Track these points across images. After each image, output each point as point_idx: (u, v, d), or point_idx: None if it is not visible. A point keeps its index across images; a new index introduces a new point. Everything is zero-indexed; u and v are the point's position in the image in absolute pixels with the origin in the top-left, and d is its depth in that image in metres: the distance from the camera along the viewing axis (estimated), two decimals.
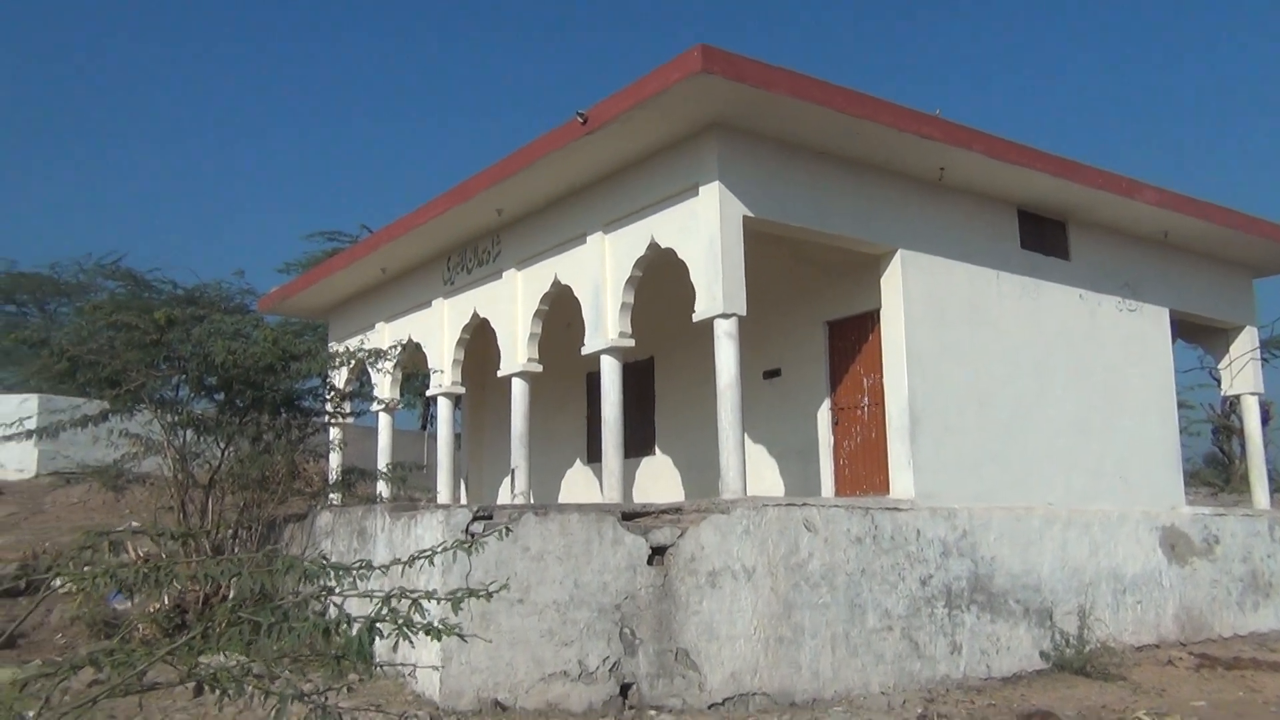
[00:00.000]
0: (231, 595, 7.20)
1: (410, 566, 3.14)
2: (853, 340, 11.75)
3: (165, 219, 79.29)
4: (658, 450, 14.38)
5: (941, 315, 11.07)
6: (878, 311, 11.13)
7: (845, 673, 9.13)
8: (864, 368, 11.55)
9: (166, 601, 9.55)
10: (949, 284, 11.23)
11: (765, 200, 10.08)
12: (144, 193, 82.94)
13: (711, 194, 9.82)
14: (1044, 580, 10.98)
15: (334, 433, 14.22)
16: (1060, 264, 12.47)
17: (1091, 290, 12.69)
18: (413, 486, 14.14)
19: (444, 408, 14.70)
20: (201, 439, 11.12)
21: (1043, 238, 12.39)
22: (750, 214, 9.91)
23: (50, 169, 79.83)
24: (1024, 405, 11.63)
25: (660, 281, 11.35)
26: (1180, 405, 14.59)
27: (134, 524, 14.45)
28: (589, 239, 11.52)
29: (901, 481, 10.49)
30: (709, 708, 8.25)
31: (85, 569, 3.09)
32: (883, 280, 10.99)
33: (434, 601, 2.89)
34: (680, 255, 10.23)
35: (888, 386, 10.81)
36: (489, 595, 2.87)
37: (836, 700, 8.91)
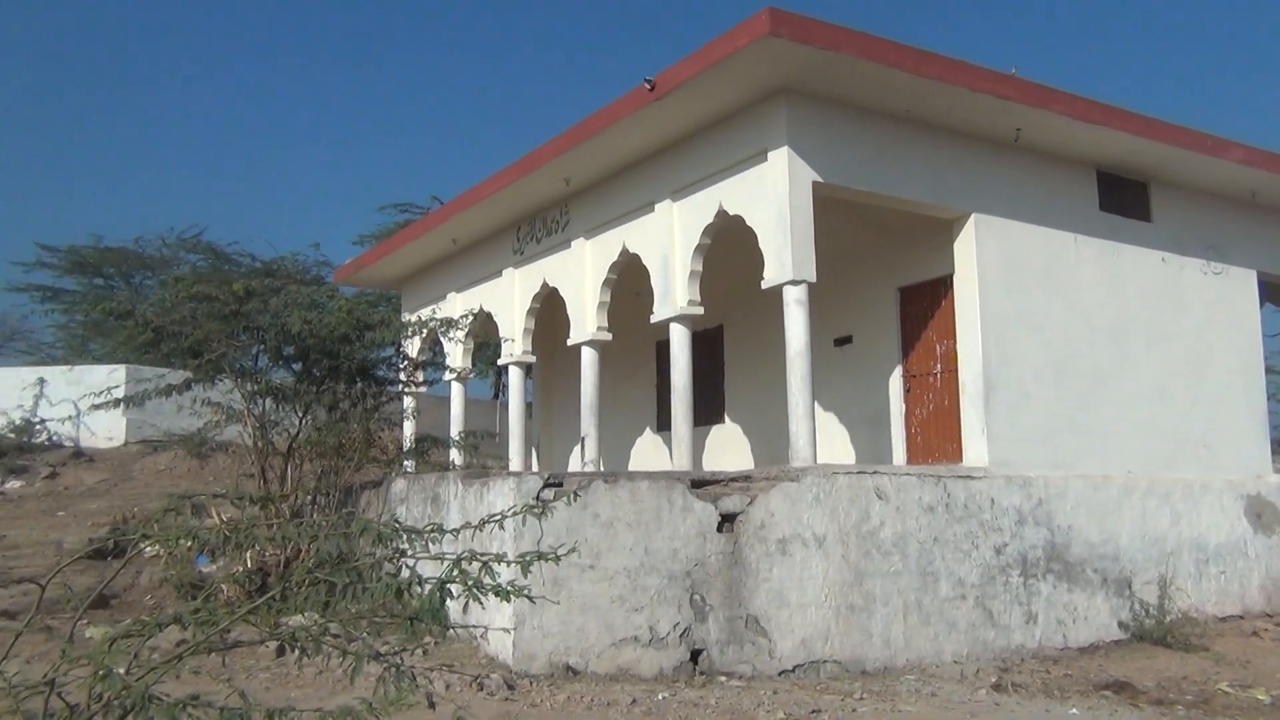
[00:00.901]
0: (310, 558, 7.39)
1: (481, 531, 3.19)
2: (925, 306, 11.57)
3: (244, 193, 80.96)
4: (727, 418, 14.36)
5: (1017, 280, 10.84)
6: (951, 277, 10.94)
7: (917, 641, 9.08)
8: (937, 334, 11.38)
9: (249, 564, 9.84)
10: (1025, 248, 10.99)
11: (835, 165, 9.95)
12: (224, 168, 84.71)
13: (780, 159, 9.72)
14: (1123, 549, 10.77)
15: (408, 401, 14.46)
16: (1141, 226, 12.12)
17: (1175, 253, 12.32)
18: (485, 454, 14.35)
19: (515, 376, 14.84)
20: (280, 407, 11.38)
21: (1123, 199, 12.05)
22: (820, 179, 9.80)
23: (133, 144, 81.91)
24: (1102, 371, 11.37)
25: (729, 248, 11.29)
26: (1268, 371, 14.13)
27: (216, 490, 14.88)
28: (657, 207, 11.49)
29: (975, 449, 10.34)
30: (779, 674, 8.27)
31: (172, 531, 3.19)
32: (956, 245, 10.79)
33: (504, 565, 2.93)
34: (749, 222, 10.16)
35: (961, 353, 10.64)
36: (557, 559, 2.91)
37: (908, 669, 8.87)
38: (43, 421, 24.01)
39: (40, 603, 3.96)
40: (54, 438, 23.94)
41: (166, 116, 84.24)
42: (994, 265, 10.67)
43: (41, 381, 24.72)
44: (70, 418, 24.04)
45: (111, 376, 22.94)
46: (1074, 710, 7.62)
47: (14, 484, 20.84)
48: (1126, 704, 8.00)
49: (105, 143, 79.70)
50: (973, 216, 10.63)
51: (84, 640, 6.86)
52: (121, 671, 2.81)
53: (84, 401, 21.38)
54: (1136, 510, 11.00)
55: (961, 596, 9.45)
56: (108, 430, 24.17)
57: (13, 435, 23.17)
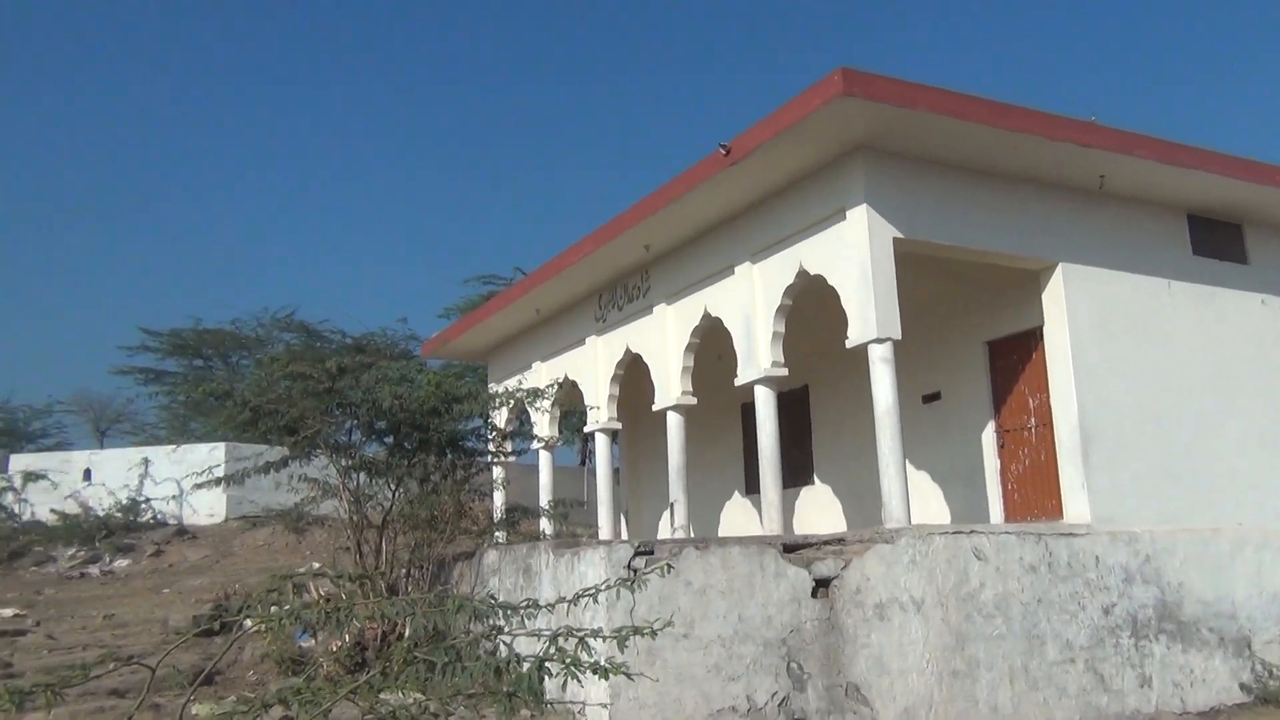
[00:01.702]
0: (407, 633, 7.45)
1: (575, 604, 3.19)
2: (1015, 359, 11.35)
3: (334, 271, 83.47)
4: (816, 479, 14.19)
5: (1109, 329, 10.57)
6: (1040, 329, 10.72)
7: (1026, 707, 8.75)
8: (1029, 387, 11.13)
9: (347, 640, 9.95)
10: (1116, 296, 10.73)
11: (915, 220, 9.88)
12: (313, 247, 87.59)
13: (859, 217, 9.69)
14: (1239, 606, 10.28)
15: (497, 471, 14.59)
16: (1237, 269, 11.75)
17: (1275, 294, 11.90)
18: (574, 522, 14.39)
19: (601, 443, 14.89)
20: (373, 481, 11.58)
21: (1216, 242, 11.71)
22: (900, 235, 9.73)
23: (227, 227, 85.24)
24: (1205, 420, 10.96)
25: (812, 308, 11.25)
26: None
27: (315, 565, 15.12)
28: (737, 270, 11.52)
29: (1076, 505, 10.03)
30: None
31: (272, 610, 3.26)
32: (1044, 296, 10.58)
33: (599, 640, 2.92)
34: (830, 281, 10.11)
35: (1056, 406, 10.38)
36: (654, 633, 2.89)
37: None
38: (148, 500, 24.83)
39: (151, 683, 4.05)
40: (158, 516, 24.71)
41: (260, 200, 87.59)
42: (1085, 315, 10.43)
43: (146, 461, 25.60)
44: (174, 496, 24.81)
45: (212, 455, 23.69)
46: None
47: (122, 562, 21.51)
48: None
49: (203, 228, 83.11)
50: (1060, 266, 10.44)
51: (191, 719, 7.00)
52: None
53: (187, 481, 22.13)
54: (1251, 565, 10.51)
55: (1070, 660, 9.10)
56: (209, 507, 24.86)
57: (120, 515, 23.98)
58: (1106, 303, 10.63)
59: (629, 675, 2.76)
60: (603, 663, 2.70)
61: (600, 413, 14.57)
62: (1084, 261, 10.60)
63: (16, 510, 24.60)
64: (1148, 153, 10.25)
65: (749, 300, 11.30)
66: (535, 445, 15.55)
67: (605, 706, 7.48)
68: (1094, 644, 9.27)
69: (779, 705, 7.87)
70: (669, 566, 7.44)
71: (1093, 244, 10.75)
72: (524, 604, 3.01)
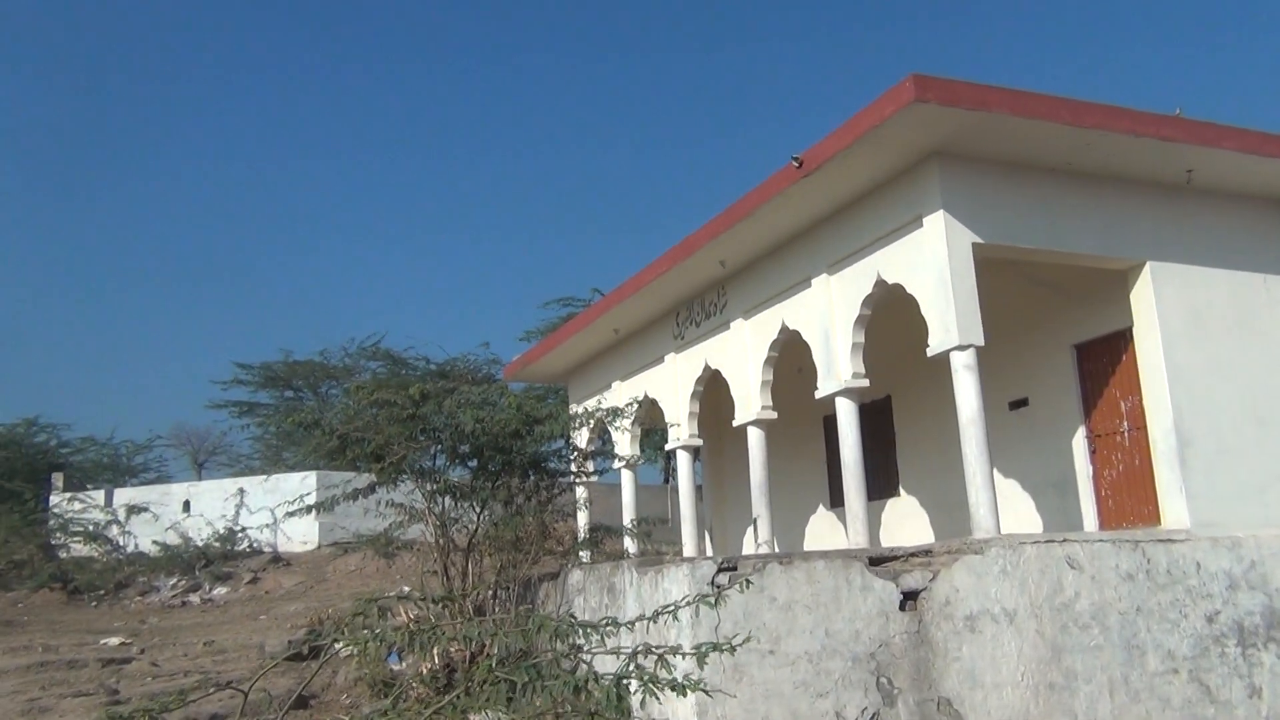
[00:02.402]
0: (494, 654, 7.53)
1: (655, 622, 3.18)
2: (1104, 362, 11.05)
3: (417, 299, 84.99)
4: (902, 491, 13.97)
5: (1203, 328, 10.24)
6: (1130, 330, 10.43)
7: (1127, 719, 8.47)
8: (1120, 390, 10.83)
9: (436, 661, 10.08)
10: (1209, 293, 10.39)
11: (994, 224, 9.71)
12: (398, 276, 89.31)
13: (936, 224, 9.56)
14: None
15: (580, 491, 14.67)
16: None
17: None
18: (658, 540, 14.38)
19: (683, 460, 14.88)
20: (459, 505, 11.72)
21: None
22: (979, 240, 9.57)
23: (314, 260, 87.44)
24: None
25: (891, 317, 11.11)
26: None
27: (404, 589, 15.35)
28: (814, 282, 11.44)
29: (1174, 510, 9.71)
30: None
31: (362, 633, 3.32)
32: (1132, 296, 10.30)
33: (680, 656, 2.92)
34: (909, 290, 9.98)
35: (1149, 409, 10.08)
36: (733, 649, 2.87)
37: None
38: (244, 529, 25.53)
39: (244, 707, 4.16)
40: (254, 544, 25.38)
41: (346, 232, 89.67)
42: (1176, 314, 10.13)
43: (241, 492, 26.34)
44: (268, 525, 25.46)
45: (304, 483, 24.29)
46: None
47: (220, 590, 22.12)
48: None
49: (295, 264, 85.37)
50: (1148, 265, 10.15)
51: None
52: None
53: (280, 509, 22.67)
54: None
55: (1173, 670, 8.79)
56: (302, 535, 25.45)
57: (218, 544, 24.69)
58: (1198, 301, 10.31)
59: (707, 692, 2.75)
60: (681, 680, 2.70)
61: (681, 429, 14.57)
62: (1173, 259, 10.30)
63: (121, 542, 25.47)
64: (1236, 144, 9.93)
65: (826, 312, 11.21)
66: (617, 465, 15.60)
67: (693, 713, 7.42)
68: (1198, 654, 8.94)
69: None
70: (748, 581, 7.37)
71: (1181, 241, 10.44)
72: (604, 622, 3.02)
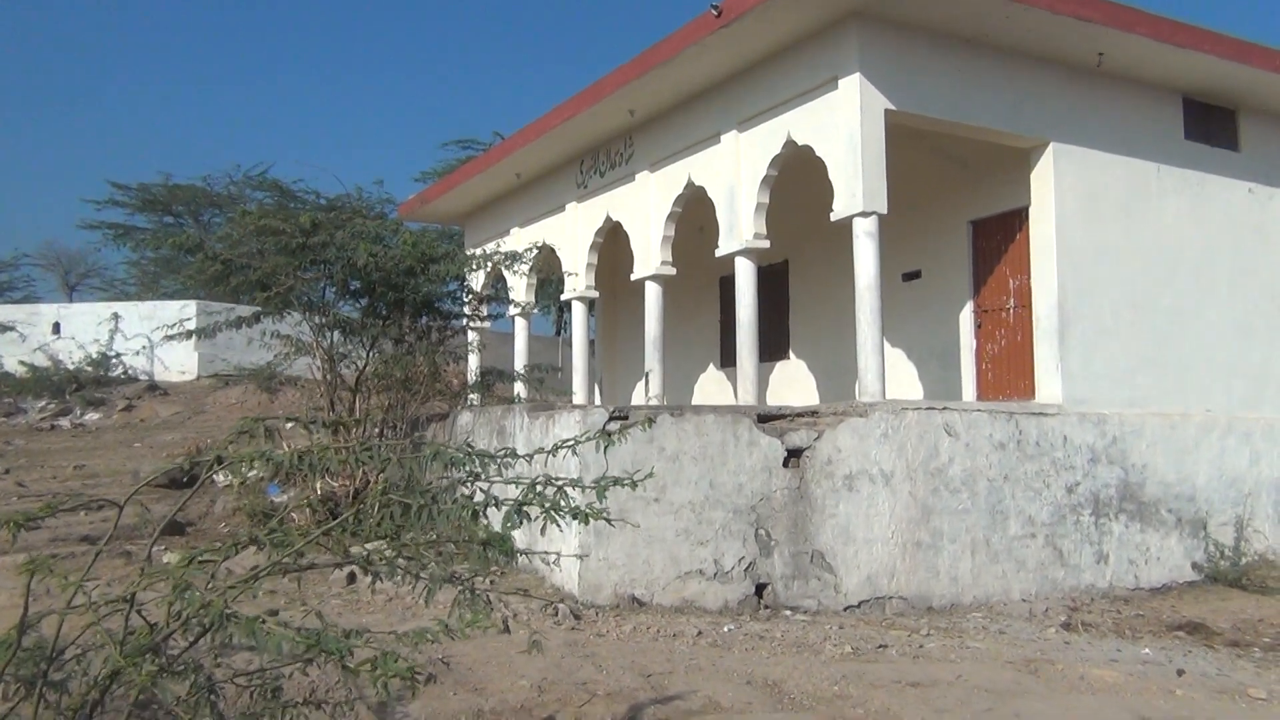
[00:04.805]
0: (380, 484, 7.50)
1: (554, 456, 3.14)
2: (998, 240, 11.27)
3: (309, 132, 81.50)
4: (792, 355, 14.21)
5: (1096, 212, 10.48)
6: (1026, 209, 10.61)
7: (985, 579, 8.97)
8: (1010, 268, 11.09)
9: (318, 494, 10.01)
10: (1105, 178, 10.61)
11: (908, 92, 9.65)
12: (289, 106, 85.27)
13: (851, 86, 9.44)
14: (1199, 490, 10.51)
15: (472, 335, 14.52)
16: (1228, 155, 11.62)
17: (1263, 183, 11.82)
18: (548, 390, 14.39)
19: (578, 312, 14.81)
20: (348, 341, 11.48)
21: (1209, 128, 11.55)
22: (892, 107, 9.51)
23: (202, 85, 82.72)
24: (1183, 307, 10.99)
25: (797, 182, 11.06)
26: None
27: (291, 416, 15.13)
28: (723, 138, 11.28)
29: (1048, 386, 10.10)
30: (844, 610, 8.23)
31: (246, 451, 3.19)
32: (1033, 175, 10.44)
33: (579, 490, 2.89)
34: (818, 152, 9.92)
35: (1036, 288, 10.36)
36: (634, 484, 2.86)
37: (976, 606, 8.78)
38: (118, 355, 24.65)
39: (118, 524, 4.02)
40: (129, 371, 24.57)
41: (231, 52, 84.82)
42: (1072, 196, 10.33)
43: (116, 316, 25.34)
44: (143, 349, 24.64)
45: (183, 311, 23.50)
46: (1146, 650, 7.49)
47: (92, 416, 21.46)
48: (1201, 645, 7.84)
49: (172, 81, 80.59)
50: (1051, 146, 10.27)
51: (162, 565, 7.04)
52: (199, 591, 2.82)
53: (157, 334, 21.95)
54: (1215, 450, 10.70)
55: (1031, 535, 9.30)
56: (180, 364, 24.75)
57: (90, 369, 23.82)
58: (1095, 185, 10.52)
59: (609, 520, 2.74)
60: (584, 508, 2.68)
61: (578, 280, 14.45)
62: (1075, 142, 10.43)
63: None
64: (1148, 30, 9.99)
65: (734, 170, 11.09)
66: (512, 311, 15.44)
67: (579, 559, 7.57)
68: (1055, 521, 9.46)
69: (745, 570, 8.01)
70: (651, 420, 7.45)
71: (1085, 124, 10.56)
72: (501, 452, 2.96)
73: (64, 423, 20.86)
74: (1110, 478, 9.90)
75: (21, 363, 23.85)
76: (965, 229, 11.66)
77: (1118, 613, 8.92)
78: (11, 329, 25.14)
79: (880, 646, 6.97)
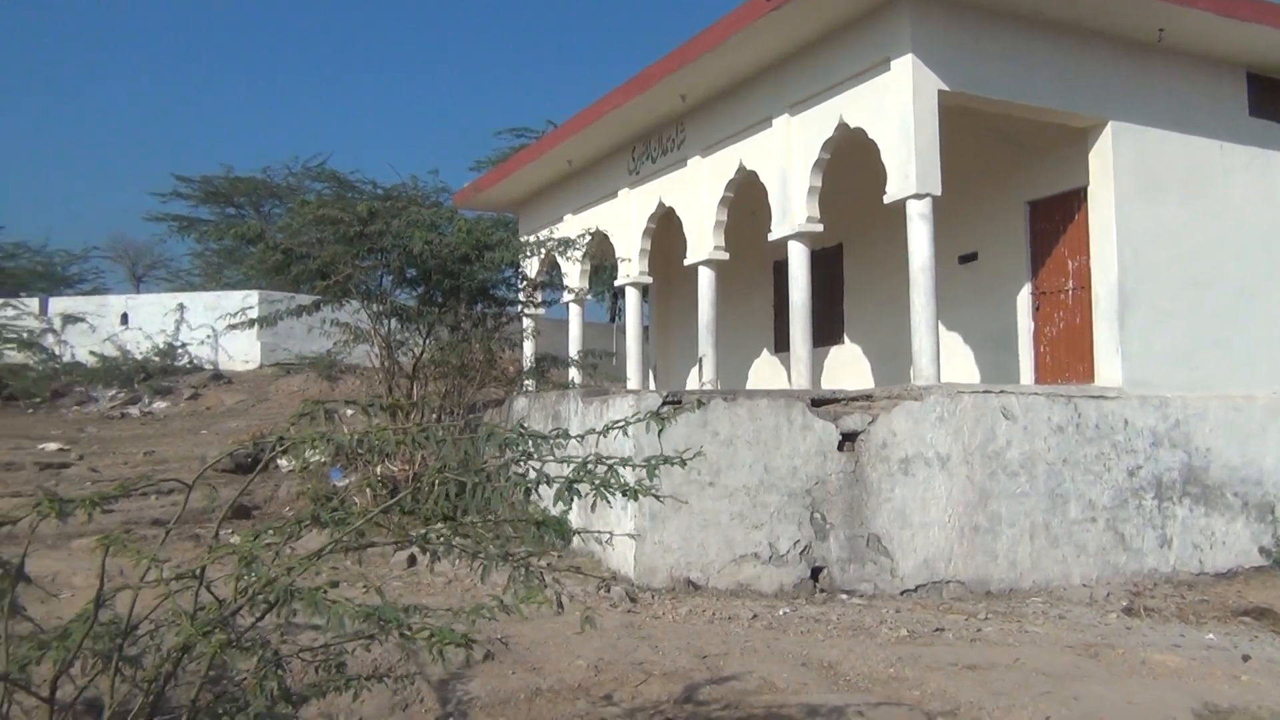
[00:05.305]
0: (437, 462, 7.62)
1: (605, 436, 3.19)
2: (1056, 220, 11.10)
3: (366, 123, 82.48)
4: (846, 339, 14.14)
5: (1157, 191, 10.29)
6: (1084, 189, 10.45)
7: (1044, 563, 8.88)
8: (1069, 249, 10.92)
9: (379, 475, 10.18)
10: (1166, 156, 10.40)
11: (961, 72, 9.54)
12: (345, 97, 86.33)
13: (904, 67, 9.36)
14: (1266, 473, 10.28)
15: (527, 322, 14.64)
16: None
17: None
18: (602, 375, 14.47)
19: (632, 298, 14.87)
20: (405, 328, 11.63)
21: (1276, 103, 11.25)
22: (945, 87, 9.41)
23: (260, 79, 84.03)
24: (1248, 287, 10.75)
25: (849, 164, 10.99)
26: None
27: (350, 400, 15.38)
28: (775, 122, 11.24)
29: (1108, 369, 9.95)
30: (901, 594, 8.21)
31: (307, 433, 3.28)
32: (1091, 155, 10.27)
33: (629, 468, 2.94)
34: (870, 135, 9.85)
35: (1095, 269, 10.20)
36: (683, 462, 2.90)
37: (1035, 591, 8.71)
38: (184, 345, 25.20)
39: (186, 506, 4.16)
40: (194, 360, 25.11)
41: (291, 45, 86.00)
42: (1132, 175, 10.14)
43: (181, 307, 25.89)
44: (207, 338, 25.15)
45: (246, 300, 23.95)
46: (1211, 635, 7.38)
47: (160, 404, 22.00)
48: (1268, 630, 7.71)
49: (232, 75, 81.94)
50: (1109, 124, 10.09)
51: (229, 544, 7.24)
52: (265, 566, 2.92)
53: (220, 323, 22.42)
54: None
55: (1092, 519, 9.19)
56: (244, 353, 25.25)
57: (157, 358, 24.39)
58: (1156, 163, 10.32)
59: (658, 497, 2.78)
60: (632, 485, 2.72)
61: (631, 266, 14.50)
62: (1135, 120, 10.24)
63: (57, 352, 25.07)
64: (1210, 5, 9.77)
65: (786, 153, 11.05)
66: (566, 297, 15.54)
67: (632, 538, 7.62)
68: (1117, 504, 9.34)
69: (800, 553, 8.03)
70: (700, 402, 7.48)
71: (1145, 101, 10.36)
72: (553, 433, 3.01)
73: (133, 411, 21.41)
74: (1173, 461, 9.73)
75: (92, 353, 24.49)
76: (1022, 210, 11.50)
77: (1181, 598, 8.79)
78: (82, 320, 25.79)
79: (937, 630, 6.95)
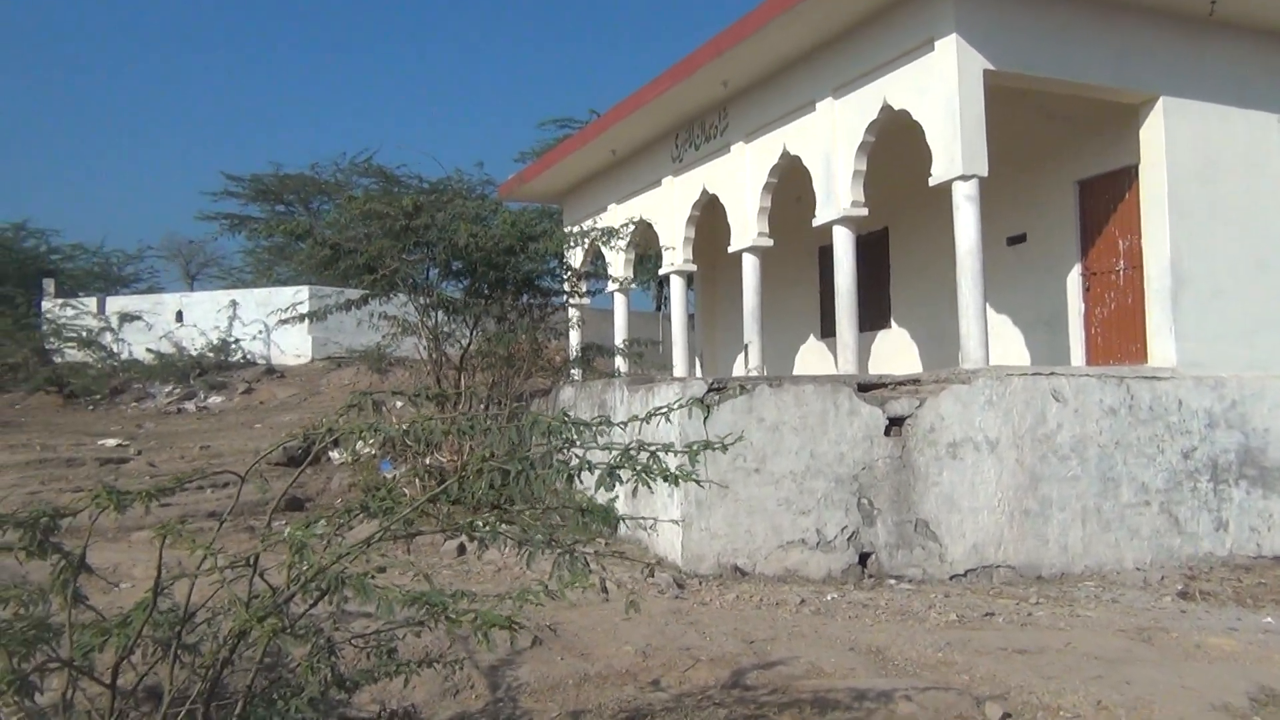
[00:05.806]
0: (484, 449, 7.71)
1: (648, 423, 3.21)
2: (1107, 199, 10.92)
3: (410, 119, 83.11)
4: (893, 323, 14.03)
5: (1210, 168, 10.08)
6: (1135, 167, 10.27)
7: (1096, 547, 8.77)
8: (1120, 229, 10.74)
9: (427, 465, 10.31)
10: (1219, 133, 10.18)
11: (1007, 51, 9.41)
12: (391, 97, 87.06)
13: (948, 47, 9.26)
14: None
15: (572, 311, 14.70)
16: None
17: None
18: (648, 364, 14.50)
19: (676, 286, 14.87)
20: (452, 320, 11.74)
21: None
22: (991, 67, 9.29)
23: (307, 78, 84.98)
24: None
25: (894, 147, 10.90)
26: None
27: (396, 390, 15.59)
28: (818, 106, 11.17)
29: (1161, 349, 9.79)
30: (950, 578, 8.16)
31: (356, 423, 3.35)
32: (1141, 132, 10.09)
33: (672, 454, 2.96)
34: (915, 116, 9.76)
35: (1147, 248, 10.03)
36: (725, 447, 2.91)
37: (1087, 575, 8.60)
38: (237, 341, 25.62)
39: (239, 498, 4.24)
40: (247, 355, 25.51)
41: (337, 45, 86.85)
42: (1184, 152, 9.95)
43: (234, 303, 26.30)
44: (260, 334, 25.55)
45: (296, 296, 24.29)
46: (1269, 619, 7.25)
47: (215, 399, 22.40)
48: None
49: (278, 72, 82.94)
50: (1161, 100, 9.91)
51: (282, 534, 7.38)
52: (316, 555, 2.98)
53: (272, 319, 22.76)
54: None
55: (1145, 502, 9.05)
56: (295, 348, 25.60)
57: (211, 354, 24.83)
58: (1209, 139, 10.11)
59: (699, 483, 2.80)
60: (674, 471, 2.74)
61: (676, 254, 14.49)
62: (1186, 95, 10.04)
63: (115, 349, 25.59)
64: None
65: (829, 137, 10.98)
66: (611, 286, 15.58)
67: (678, 524, 7.65)
68: (1171, 487, 9.19)
69: (848, 539, 8.00)
70: (745, 389, 7.47)
71: (1198, 76, 10.15)
72: (597, 420, 3.04)
73: (189, 406, 21.81)
74: (1229, 443, 9.56)
75: (149, 350, 24.97)
76: (1072, 189, 11.32)
77: (1238, 581, 8.64)
78: (139, 318, 26.30)
79: (987, 615, 6.90)
